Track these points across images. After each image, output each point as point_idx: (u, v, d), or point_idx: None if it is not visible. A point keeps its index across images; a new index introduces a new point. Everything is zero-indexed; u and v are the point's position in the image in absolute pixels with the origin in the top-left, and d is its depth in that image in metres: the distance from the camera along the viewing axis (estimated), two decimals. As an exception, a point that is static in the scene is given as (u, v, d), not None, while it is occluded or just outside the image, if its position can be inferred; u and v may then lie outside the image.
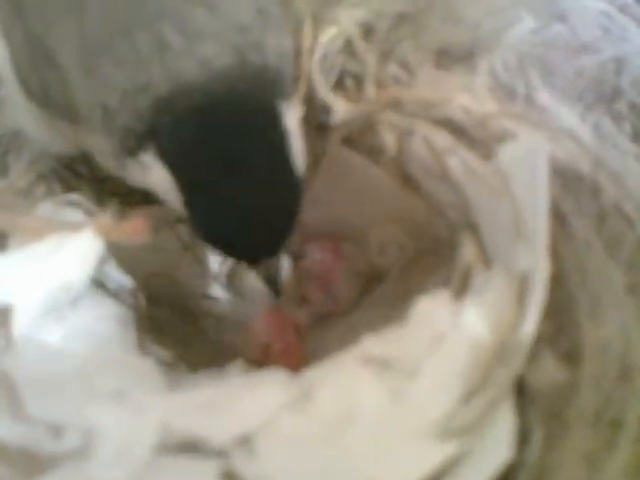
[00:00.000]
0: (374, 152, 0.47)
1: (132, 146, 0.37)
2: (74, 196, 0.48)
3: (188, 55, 0.36)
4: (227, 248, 0.40)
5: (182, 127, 0.36)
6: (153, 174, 0.38)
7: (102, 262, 0.44)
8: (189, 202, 0.37)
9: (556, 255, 0.37)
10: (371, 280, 0.50)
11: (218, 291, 0.51)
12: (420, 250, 0.47)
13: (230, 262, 0.51)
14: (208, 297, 0.50)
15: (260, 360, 0.45)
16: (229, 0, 0.39)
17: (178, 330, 0.48)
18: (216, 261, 0.51)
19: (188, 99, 0.36)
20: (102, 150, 0.40)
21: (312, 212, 0.48)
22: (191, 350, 0.46)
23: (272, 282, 0.43)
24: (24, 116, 0.46)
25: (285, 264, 0.47)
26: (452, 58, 0.48)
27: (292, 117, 0.39)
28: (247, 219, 0.38)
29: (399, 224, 0.48)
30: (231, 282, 0.51)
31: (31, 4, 0.41)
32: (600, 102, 0.47)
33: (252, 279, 0.49)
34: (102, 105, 0.37)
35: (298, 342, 0.48)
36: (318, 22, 0.49)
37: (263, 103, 0.38)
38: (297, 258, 0.51)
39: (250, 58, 0.37)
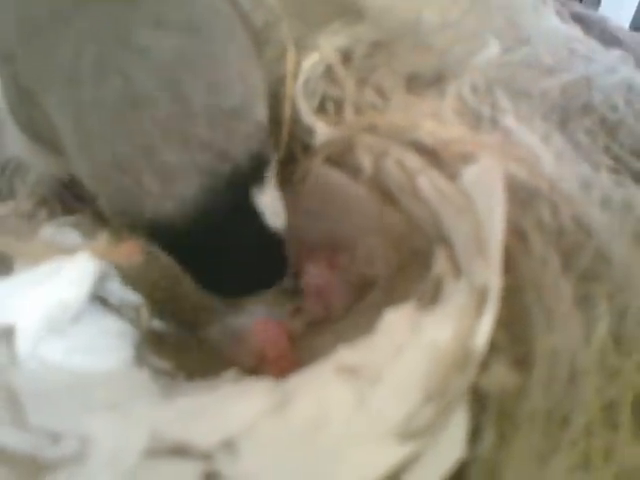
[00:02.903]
0: (354, 171, 0.49)
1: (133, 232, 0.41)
2: (75, 218, 0.50)
3: (165, 197, 0.39)
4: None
5: (172, 247, 0.41)
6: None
7: (104, 279, 0.46)
8: (185, 270, 0.42)
9: (514, 270, 0.40)
10: (362, 288, 0.52)
11: (217, 303, 0.52)
12: (403, 261, 0.49)
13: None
14: (207, 309, 0.52)
15: (255, 368, 0.48)
16: (190, 120, 0.39)
17: (178, 341, 0.50)
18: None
19: (172, 228, 0.39)
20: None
21: (307, 226, 0.51)
22: (190, 359, 0.48)
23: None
24: (17, 143, 0.48)
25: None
26: (422, 83, 0.50)
27: (266, 193, 0.42)
28: (230, 284, 0.44)
29: (382, 237, 0.50)
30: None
31: (21, 62, 0.42)
32: (570, 119, 0.49)
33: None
34: (105, 199, 0.41)
35: (291, 350, 0.50)
36: (301, 48, 0.52)
37: (236, 204, 0.41)
38: (295, 273, 0.54)
39: (217, 171, 0.39)
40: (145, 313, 0.48)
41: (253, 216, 0.42)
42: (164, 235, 0.40)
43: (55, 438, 0.36)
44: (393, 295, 0.46)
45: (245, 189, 0.41)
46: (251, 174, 0.41)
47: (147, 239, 0.41)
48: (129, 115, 0.38)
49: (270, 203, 0.42)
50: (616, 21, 0.67)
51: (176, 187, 0.39)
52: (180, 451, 0.35)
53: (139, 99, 0.38)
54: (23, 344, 0.40)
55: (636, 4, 1.10)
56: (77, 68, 0.39)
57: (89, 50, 0.38)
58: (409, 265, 0.48)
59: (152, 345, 0.47)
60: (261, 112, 0.42)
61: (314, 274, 0.54)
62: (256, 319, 0.52)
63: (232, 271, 0.43)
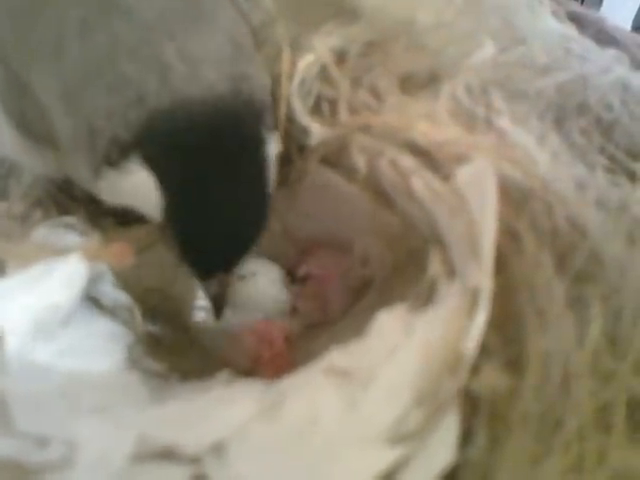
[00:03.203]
0: (349, 171, 0.49)
1: (114, 156, 0.39)
2: (69, 219, 0.50)
3: (191, 78, 0.39)
4: (190, 254, 0.43)
5: (178, 137, 0.38)
6: (133, 180, 0.40)
7: (97, 281, 0.46)
8: (168, 205, 0.40)
9: (507, 270, 0.40)
10: (359, 290, 0.52)
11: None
12: (399, 261, 0.49)
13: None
14: (201, 309, 0.52)
15: (250, 369, 0.48)
16: (211, 34, 0.41)
17: (172, 342, 0.50)
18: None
19: (188, 114, 0.38)
20: (79, 169, 0.43)
21: (304, 226, 0.51)
22: (184, 361, 0.48)
23: (218, 300, 0.46)
24: (7, 140, 0.48)
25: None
26: (417, 84, 0.50)
27: (273, 146, 0.42)
28: (213, 231, 0.41)
29: (377, 237, 0.50)
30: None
31: (11, 45, 0.43)
32: (566, 118, 0.49)
33: (244, 292, 0.51)
34: (87, 127, 0.40)
35: (287, 351, 0.50)
36: (296, 49, 0.52)
37: (253, 130, 0.41)
38: (294, 270, 0.55)
39: (241, 88, 0.40)
40: (138, 314, 0.48)
41: (260, 154, 0.41)
42: (171, 134, 0.39)
43: (42, 443, 0.36)
44: (389, 296, 0.45)
45: (258, 124, 0.41)
46: (263, 117, 0.41)
47: (150, 147, 0.39)
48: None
49: (272, 160, 0.42)
50: (618, 21, 0.67)
51: (205, 73, 0.39)
52: (168, 455, 0.35)
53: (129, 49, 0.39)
54: (12, 346, 0.39)
55: (638, 4, 1.10)
56: (62, 35, 0.40)
57: (73, 17, 0.40)
58: (405, 266, 0.48)
59: (146, 346, 0.47)
60: (261, 77, 0.43)
61: (315, 265, 0.54)
62: (252, 320, 0.52)
63: (220, 212, 0.41)
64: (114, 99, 0.39)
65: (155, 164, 0.39)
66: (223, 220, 0.41)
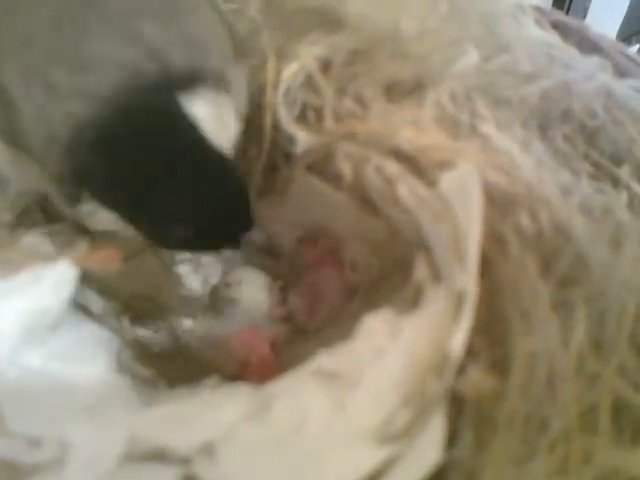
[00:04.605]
0: (335, 178, 0.50)
1: (73, 196, 0.40)
2: (56, 227, 0.50)
3: (73, 93, 0.38)
4: (191, 247, 0.43)
5: (95, 166, 0.38)
6: (99, 217, 0.40)
7: (85, 287, 0.46)
8: (139, 226, 0.40)
9: (492, 274, 0.40)
10: (347, 295, 0.52)
11: (198, 310, 0.53)
12: (385, 267, 0.49)
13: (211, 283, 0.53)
14: (188, 316, 0.52)
15: (238, 375, 0.48)
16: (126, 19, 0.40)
17: (159, 349, 0.50)
18: (198, 281, 0.53)
19: (87, 138, 0.38)
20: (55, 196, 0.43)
21: (290, 233, 0.51)
22: (172, 367, 0.48)
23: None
24: None
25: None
26: (402, 92, 0.50)
27: (202, 103, 0.41)
28: (196, 216, 0.41)
29: (363, 243, 0.50)
30: (212, 302, 0.54)
31: None
32: (550, 125, 0.49)
33: (229, 300, 0.51)
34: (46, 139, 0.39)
35: (273, 357, 0.50)
36: (281, 58, 0.52)
37: (162, 107, 0.39)
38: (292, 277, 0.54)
39: (143, 68, 0.39)
40: (125, 320, 0.48)
41: (182, 123, 0.40)
42: (90, 150, 0.38)
43: (35, 443, 0.36)
44: (376, 302, 0.45)
45: (173, 94, 0.40)
46: (182, 81, 0.40)
47: (74, 163, 0.39)
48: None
49: (211, 117, 0.41)
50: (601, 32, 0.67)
51: (87, 79, 0.38)
52: (159, 456, 0.35)
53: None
54: (2, 350, 0.40)
55: (622, 16, 1.10)
56: (31, 32, 0.39)
57: (46, 9, 0.39)
58: (391, 272, 0.49)
59: (134, 353, 0.47)
60: (224, 52, 0.43)
61: (320, 275, 0.54)
62: (239, 326, 0.52)
63: (173, 194, 0.40)
64: (45, 126, 0.39)
65: (99, 197, 0.39)
66: (190, 207, 0.40)
